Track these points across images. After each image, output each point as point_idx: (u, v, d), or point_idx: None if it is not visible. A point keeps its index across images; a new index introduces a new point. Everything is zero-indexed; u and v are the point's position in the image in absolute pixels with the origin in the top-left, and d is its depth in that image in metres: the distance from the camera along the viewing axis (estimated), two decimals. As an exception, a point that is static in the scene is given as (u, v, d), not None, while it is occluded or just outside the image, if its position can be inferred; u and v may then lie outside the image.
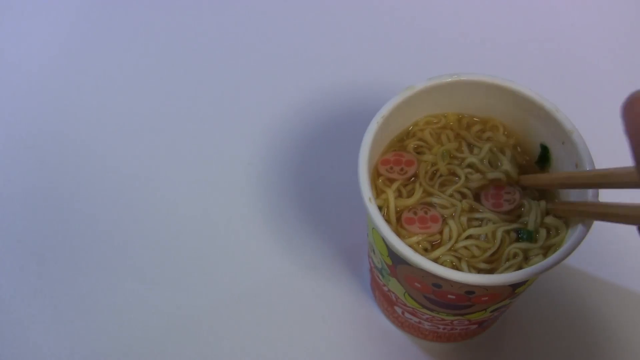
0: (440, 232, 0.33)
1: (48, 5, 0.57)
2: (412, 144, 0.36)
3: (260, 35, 0.55)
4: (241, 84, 0.52)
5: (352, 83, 0.52)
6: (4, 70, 0.53)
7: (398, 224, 0.33)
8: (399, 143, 0.36)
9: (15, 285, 0.43)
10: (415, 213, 0.34)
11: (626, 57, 0.53)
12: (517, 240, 0.32)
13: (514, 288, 0.30)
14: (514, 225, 0.32)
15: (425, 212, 0.34)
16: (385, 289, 0.36)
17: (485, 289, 0.29)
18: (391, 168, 0.35)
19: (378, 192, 0.34)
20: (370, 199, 0.31)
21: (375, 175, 0.35)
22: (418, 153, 0.36)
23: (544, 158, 0.35)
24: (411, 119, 0.37)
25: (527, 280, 0.29)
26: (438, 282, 0.30)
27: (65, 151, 0.49)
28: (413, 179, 0.35)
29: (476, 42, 0.54)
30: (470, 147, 0.36)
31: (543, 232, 0.32)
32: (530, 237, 0.32)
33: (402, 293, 0.34)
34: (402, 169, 0.35)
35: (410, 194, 0.34)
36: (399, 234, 0.32)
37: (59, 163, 0.48)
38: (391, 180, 0.35)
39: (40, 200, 0.47)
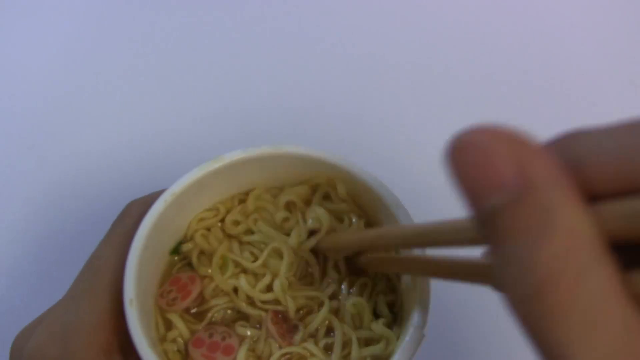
0: None
1: (46, 7, 0.57)
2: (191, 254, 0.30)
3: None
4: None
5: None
6: (3, 69, 0.54)
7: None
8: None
9: (15, 286, 0.44)
10: (211, 335, 0.28)
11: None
12: None
13: None
14: None
15: (223, 338, 0.28)
16: None
17: None
18: (170, 292, 0.30)
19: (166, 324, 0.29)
20: (131, 301, 0.25)
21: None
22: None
23: None
24: (224, 200, 0.31)
25: None
26: None
27: (65, 151, 0.49)
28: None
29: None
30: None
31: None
32: None
33: None
34: (174, 299, 0.29)
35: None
36: None
37: (60, 163, 0.49)
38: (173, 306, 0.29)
39: (40, 201, 0.47)
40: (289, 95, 0.52)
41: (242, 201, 0.32)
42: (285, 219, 0.30)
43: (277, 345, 0.28)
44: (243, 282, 0.29)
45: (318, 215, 0.29)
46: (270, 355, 0.28)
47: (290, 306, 0.29)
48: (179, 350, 0.29)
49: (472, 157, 0.15)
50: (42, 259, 0.45)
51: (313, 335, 0.29)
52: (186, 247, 0.31)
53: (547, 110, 0.49)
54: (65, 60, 0.54)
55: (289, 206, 0.31)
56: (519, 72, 0.53)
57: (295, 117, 0.51)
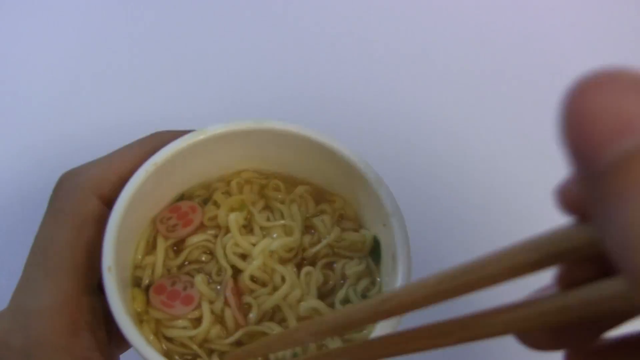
0: (198, 320, 0.28)
1: (44, 9, 0.57)
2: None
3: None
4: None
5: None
6: (5, 69, 0.53)
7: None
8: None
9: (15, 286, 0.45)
10: (173, 283, 0.28)
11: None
12: None
13: None
14: None
15: (185, 288, 0.28)
16: None
17: None
18: (169, 219, 0.30)
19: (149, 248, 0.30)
20: (109, 268, 0.25)
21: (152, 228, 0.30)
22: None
23: (375, 251, 0.30)
24: (201, 173, 0.31)
25: None
26: None
27: (66, 151, 0.49)
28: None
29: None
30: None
31: None
32: None
33: None
34: (175, 226, 0.30)
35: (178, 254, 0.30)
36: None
37: (60, 163, 0.49)
38: (164, 237, 0.30)
39: (42, 201, 0.47)
40: (278, 76, 0.52)
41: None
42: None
43: (234, 316, 0.28)
44: (233, 217, 0.30)
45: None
46: (228, 327, 0.28)
47: (253, 266, 0.29)
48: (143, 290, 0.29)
49: (604, 97, 0.13)
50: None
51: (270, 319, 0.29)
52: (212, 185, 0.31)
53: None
54: (68, 61, 0.54)
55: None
56: (525, 69, 0.52)
57: (282, 97, 0.51)
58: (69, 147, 0.49)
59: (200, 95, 0.51)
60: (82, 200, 0.26)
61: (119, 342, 0.28)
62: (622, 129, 0.12)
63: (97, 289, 0.27)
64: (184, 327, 0.28)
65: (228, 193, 0.32)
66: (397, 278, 0.26)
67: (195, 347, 0.27)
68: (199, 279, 0.29)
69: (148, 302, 0.28)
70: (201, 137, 0.28)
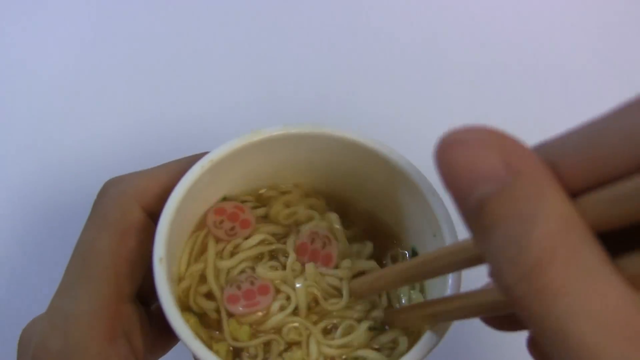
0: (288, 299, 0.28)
1: (43, 8, 0.57)
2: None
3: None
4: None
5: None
6: (4, 70, 0.53)
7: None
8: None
9: (16, 286, 0.44)
10: (239, 287, 0.28)
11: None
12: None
13: None
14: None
15: (252, 283, 0.28)
16: None
17: None
18: (221, 222, 0.29)
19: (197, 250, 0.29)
20: (160, 259, 0.25)
21: (200, 225, 0.30)
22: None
23: None
24: (255, 176, 0.31)
25: None
26: None
27: (65, 151, 0.49)
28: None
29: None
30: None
31: None
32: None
33: None
34: (232, 229, 0.29)
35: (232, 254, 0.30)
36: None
37: (60, 163, 0.48)
38: (216, 239, 0.29)
39: (41, 201, 0.47)
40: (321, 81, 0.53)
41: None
42: None
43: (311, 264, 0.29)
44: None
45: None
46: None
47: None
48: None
49: (459, 153, 0.16)
50: (43, 259, 0.45)
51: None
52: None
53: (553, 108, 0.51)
54: (68, 62, 0.54)
55: None
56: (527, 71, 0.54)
57: (325, 102, 0.51)
58: (71, 148, 0.49)
59: (211, 97, 0.52)
60: (126, 208, 0.26)
61: (157, 352, 0.29)
62: (479, 176, 0.16)
63: (136, 299, 0.27)
64: (282, 309, 0.28)
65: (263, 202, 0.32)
66: (446, 287, 0.26)
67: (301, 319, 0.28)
68: (262, 269, 0.29)
69: (230, 316, 0.28)
70: (257, 138, 0.28)
